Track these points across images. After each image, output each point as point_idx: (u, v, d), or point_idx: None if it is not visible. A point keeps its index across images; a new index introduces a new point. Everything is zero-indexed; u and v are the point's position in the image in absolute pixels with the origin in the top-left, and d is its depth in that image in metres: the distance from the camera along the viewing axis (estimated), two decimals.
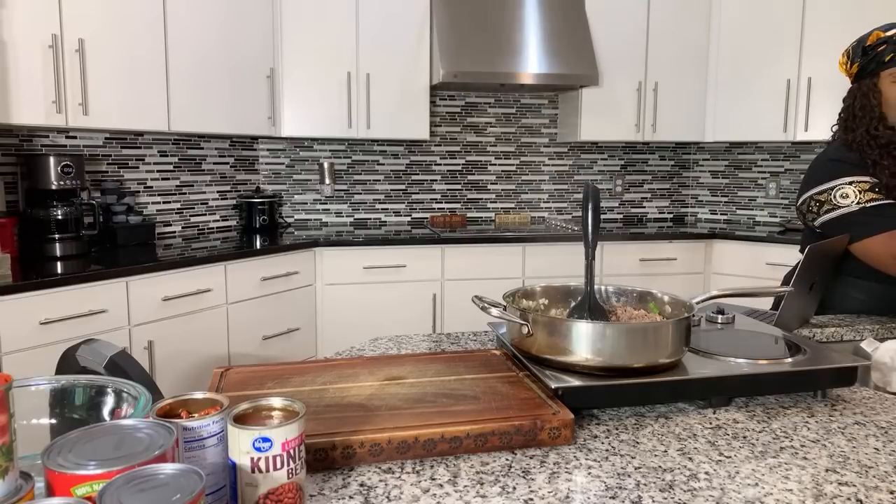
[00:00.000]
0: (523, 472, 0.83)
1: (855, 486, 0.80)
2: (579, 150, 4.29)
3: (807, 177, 1.73)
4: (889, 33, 1.62)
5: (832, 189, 1.63)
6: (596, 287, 1.16)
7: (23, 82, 2.41)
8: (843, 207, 1.62)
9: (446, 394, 1.00)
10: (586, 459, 0.87)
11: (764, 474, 0.83)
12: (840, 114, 1.73)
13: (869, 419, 1.01)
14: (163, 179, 3.38)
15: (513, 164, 4.22)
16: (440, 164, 4.12)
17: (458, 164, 4.15)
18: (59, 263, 2.55)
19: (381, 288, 3.41)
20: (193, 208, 3.55)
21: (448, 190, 4.15)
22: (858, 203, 1.59)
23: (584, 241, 1.12)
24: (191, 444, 0.68)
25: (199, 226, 3.59)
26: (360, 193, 4.04)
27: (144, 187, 3.31)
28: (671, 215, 4.49)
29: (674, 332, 1.02)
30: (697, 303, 1.14)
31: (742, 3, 3.80)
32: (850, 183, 1.61)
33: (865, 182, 1.60)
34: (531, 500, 0.77)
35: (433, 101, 4.02)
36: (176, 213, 3.47)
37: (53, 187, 2.64)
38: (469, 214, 4.19)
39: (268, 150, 3.89)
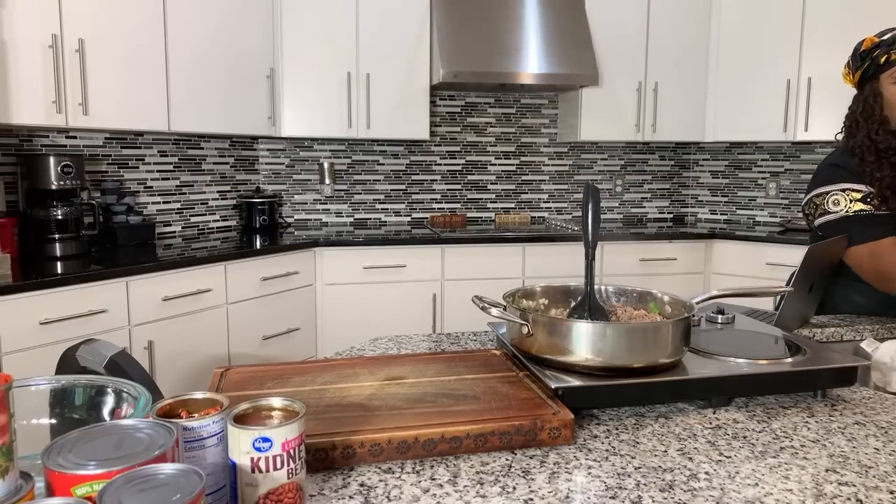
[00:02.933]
0: (523, 472, 0.83)
1: (855, 486, 0.80)
2: (579, 150, 4.29)
3: (811, 179, 1.75)
4: (883, 38, 1.63)
5: (826, 194, 1.65)
6: (596, 287, 1.16)
7: (23, 82, 2.41)
8: (831, 214, 1.65)
9: (446, 394, 1.00)
10: (586, 459, 0.87)
11: (764, 474, 0.83)
12: (844, 121, 1.74)
13: (869, 419, 1.01)
14: (163, 179, 3.38)
15: (513, 164, 4.21)
16: (440, 164, 4.12)
17: (458, 164, 4.15)
18: (59, 263, 2.55)
19: (381, 288, 3.41)
20: (193, 208, 3.55)
21: (448, 190, 4.15)
22: (847, 211, 1.61)
23: (584, 241, 1.12)
24: (191, 444, 0.68)
25: (199, 226, 3.59)
26: (360, 193, 4.04)
27: (144, 187, 3.31)
28: (671, 215, 4.49)
29: (674, 332, 1.02)
30: (697, 303, 1.14)
31: (742, 3, 3.80)
32: (843, 190, 1.62)
33: (858, 192, 1.60)
34: (531, 500, 0.77)
35: (433, 101, 4.02)
36: (176, 213, 3.47)
37: (53, 187, 2.64)
38: (469, 214, 4.19)
39: (268, 150, 3.89)
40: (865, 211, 1.59)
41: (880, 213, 1.58)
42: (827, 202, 1.65)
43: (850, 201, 1.61)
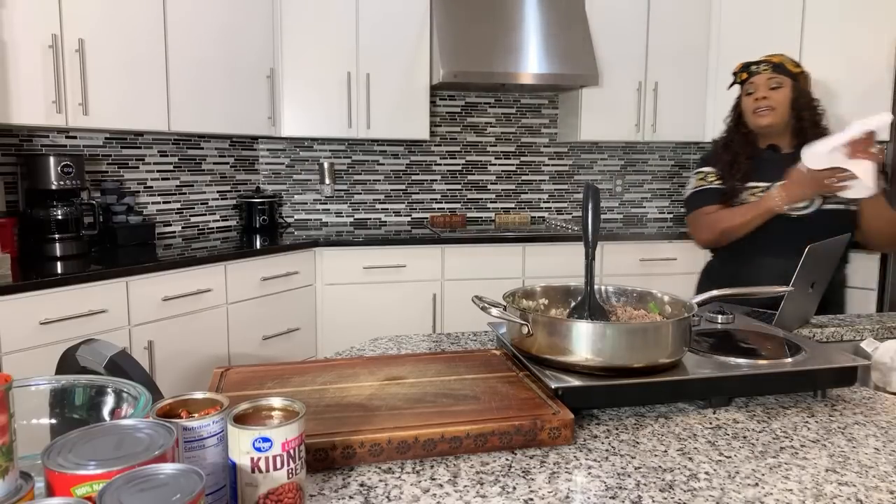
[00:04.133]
0: (523, 472, 0.83)
1: (855, 486, 0.80)
2: (579, 150, 4.29)
3: None
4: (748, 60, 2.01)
5: (690, 178, 2.11)
6: (596, 287, 1.16)
7: (23, 82, 2.41)
8: (687, 191, 2.09)
9: (446, 394, 1.00)
10: (586, 459, 0.87)
11: (764, 474, 0.83)
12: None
13: (869, 419, 1.01)
14: (163, 179, 3.38)
15: (513, 164, 4.21)
16: (440, 164, 4.12)
17: (458, 164, 4.14)
18: (59, 263, 2.55)
19: (381, 288, 3.41)
20: (193, 208, 3.55)
21: (448, 190, 4.15)
22: (693, 188, 2.04)
23: (584, 241, 1.12)
24: (191, 444, 0.68)
25: (199, 226, 3.59)
26: (360, 193, 4.03)
27: (144, 187, 3.31)
28: (671, 215, 4.48)
29: (674, 332, 1.03)
30: (697, 303, 1.14)
31: (742, 2, 3.80)
32: (697, 173, 2.06)
33: (702, 172, 2.03)
34: (531, 500, 0.77)
35: (433, 101, 4.01)
36: (176, 213, 3.47)
37: (53, 187, 2.64)
38: (469, 214, 4.19)
39: (268, 150, 3.89)
40: (702, 186, 2.01)
41: (716, 187, 1.97)
42: (687, 184, 2.10)
43: (698, 179, 2.04)
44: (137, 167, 3.26)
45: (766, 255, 1.86)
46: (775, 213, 1.80)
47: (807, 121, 1.94)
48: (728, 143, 2.01)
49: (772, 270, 1.80)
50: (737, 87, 2.03)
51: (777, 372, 1.06)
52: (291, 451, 0.68)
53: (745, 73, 1.98)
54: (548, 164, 4.27)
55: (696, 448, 0.91)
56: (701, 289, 1.98)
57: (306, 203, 3.98)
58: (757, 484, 0.81)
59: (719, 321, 1.36)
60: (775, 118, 1.92)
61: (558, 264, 3.56)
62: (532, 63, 3.57)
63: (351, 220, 4.04)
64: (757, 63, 1.96)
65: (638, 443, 0.92)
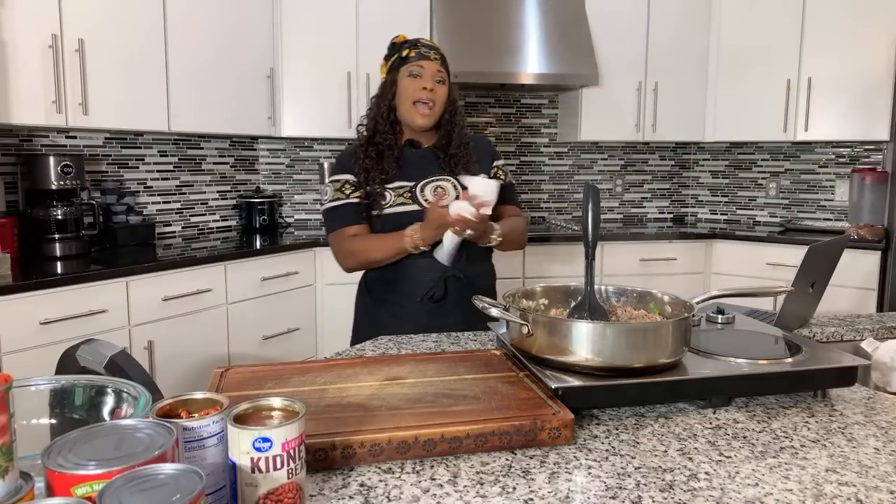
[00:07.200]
0: (523, 472, 0.83)
1: (855, 486, 0.80)
2: (579, 150, 4.29)
3: None
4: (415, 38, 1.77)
5: (325, 185, 1.80)
6: (596, 287, 1.16)
7: (23, 82, 2.41)
8: (324, 204, 1.79)
9: (446, 394, 1.00)
10: (586, 459, 0.87)
11: (764, 474, 0.83)
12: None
13: (869, 419, 1.01)
14: (163, 179, 3.38)
15: (513, 164, 4.21)
16: None
17: None
18: (59, 263, 2.55)
19: None
20: (193, 208, 3.55)
21: None
22: (331, 201, 1.76)
23: (584, 241, 1.12)
24: (191, 444, 0.68)
25: (199, 226, 3.59)
26: None
27: (144, 187, 3.31)
28: (671, 215, 4.48)
29: (674, 332, 1.03)
30: (697, 303, 1.14)
31: (742, 3, 3.80)
32: (333, 181, 1.77)
33: (339, 180, 1.75)
34: (531, 500, 0.77)
35: None
36: (176, 213, 3.47)
37: (53, 187, 2.64)
38: None
39: (268, 150, 3.89)
40: (338, 200, 1.74)
41: (355, 202, 1.72)
42: (323, 191, 1.80)
43: (335, 191, 1.75)
44: (137, 167, 3.26)
45: (423, 266, 1.71)
46: (411, 252, 1.65)
47: (457, 125, 1.77)
48: (373, 134, 1.75)
49: (425, 275, 1.71)
50: None
51: (777, 372, 1.06)
52: (291, 451, 0.68)
53: (412, 51, 1.72)
54: (548, 164, 4.27)
55: (696, 448, 0.91)
56: (360, 298, 1.87)
57: (306, 203, 3.98)
58: (757, 484, 0.81)
59: (719, 321, 1.36)
60: (433, 116, 1.73)
61: (558, 264, 3.56)
62: (532, 63, 3.57)
63: None
64: (428, 47, 1.73)
65: (638, 443, 0.92)
